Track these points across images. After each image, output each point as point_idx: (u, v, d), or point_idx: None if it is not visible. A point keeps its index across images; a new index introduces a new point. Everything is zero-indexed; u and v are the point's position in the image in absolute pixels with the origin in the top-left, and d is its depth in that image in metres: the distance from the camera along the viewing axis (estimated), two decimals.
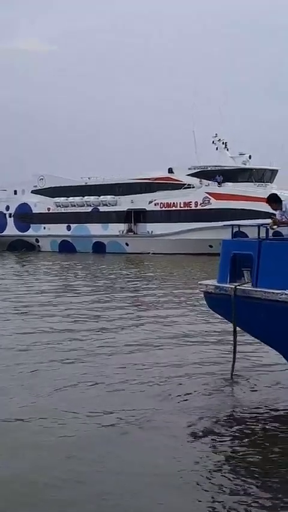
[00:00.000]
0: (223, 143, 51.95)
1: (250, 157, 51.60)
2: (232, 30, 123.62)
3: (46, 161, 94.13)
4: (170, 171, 52.84)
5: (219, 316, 11.06)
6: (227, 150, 52.00)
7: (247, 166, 51.05)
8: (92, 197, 56.87)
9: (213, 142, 52.26)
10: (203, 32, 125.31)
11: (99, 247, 54.68)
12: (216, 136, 52.03)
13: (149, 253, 49.10)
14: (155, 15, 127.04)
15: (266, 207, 12.32)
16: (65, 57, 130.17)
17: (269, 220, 10.34)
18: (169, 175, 52.75)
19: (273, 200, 10.40)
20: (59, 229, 58.15)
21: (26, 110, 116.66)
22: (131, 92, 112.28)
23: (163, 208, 51.69)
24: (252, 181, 49.74)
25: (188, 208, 49.91)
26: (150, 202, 52.52)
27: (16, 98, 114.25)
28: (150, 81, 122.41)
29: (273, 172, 51.38)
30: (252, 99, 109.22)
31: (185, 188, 50.92)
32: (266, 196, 10.95)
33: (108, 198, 55.73)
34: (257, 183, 49.63)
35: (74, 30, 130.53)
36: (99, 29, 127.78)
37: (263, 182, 49.99)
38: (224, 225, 12.76)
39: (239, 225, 10.73)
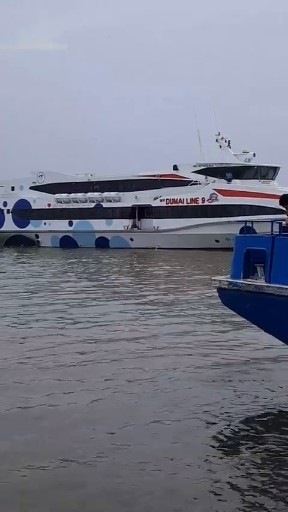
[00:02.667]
0: (226, 141, 52.10)
1: (254, 155, 51.87)
2: (235, 28, 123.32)
3: (44, 160, 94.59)
4: (175, 168, 52.88)
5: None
6: (230, 148, 52.15)
7: (252, 163, 51.30)
8: (96, 193, 56.83)
9: (216, 140, 52.47)
10: (206, 31, 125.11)
11: (102, 242, 54.70)
12: (219, 134, 52.25)
13: (154, 248, 49.23)
14: (159, 15, 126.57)
15: (272, 203, 12.30)
16: (69, 56, 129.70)
17: (281, 216, 10.30)
18: (174, 172, 52.82)
19: (286, 200, 10.32)
20: (60, 225, 57.98)
21: (26, 109, 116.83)
22: (131, 92, 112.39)
23: (169, 204, 51.80)
24: (257, 178, 50.02)
25: (195, 204, 50.06)
26: (156, 198, 52.64)
27: (16, 97, 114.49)
28: (154, 80, 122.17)
29: (276, 170, 51.66)
30: (252, 99, 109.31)
31: (191, 185, 51.05)
32: (272, 193, 10.89)
33: (112, 194, 55.71)
34: (261, 180, 49.90)
35: (76, 29, 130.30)
36: (104, 28, 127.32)
37: (267, 179, 50.34)
38: (237, 221, 12.68)
39: (252, 221, 10.62)
